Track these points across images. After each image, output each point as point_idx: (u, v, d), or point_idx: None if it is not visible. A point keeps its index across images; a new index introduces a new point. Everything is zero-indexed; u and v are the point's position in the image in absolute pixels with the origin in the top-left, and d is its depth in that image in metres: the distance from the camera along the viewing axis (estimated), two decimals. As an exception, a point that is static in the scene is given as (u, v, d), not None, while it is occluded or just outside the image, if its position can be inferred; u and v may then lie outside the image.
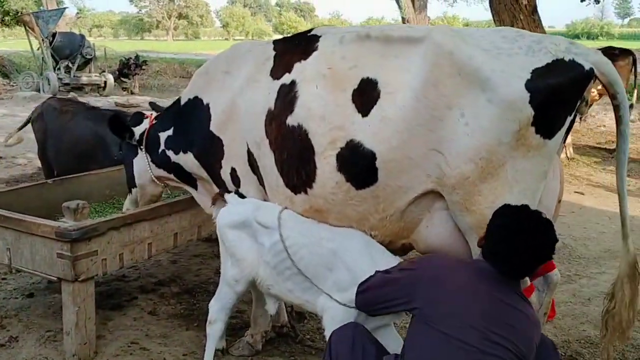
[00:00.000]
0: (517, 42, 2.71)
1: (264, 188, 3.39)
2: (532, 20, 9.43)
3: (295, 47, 3.30)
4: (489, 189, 2.68)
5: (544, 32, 9.50)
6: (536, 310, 2.99)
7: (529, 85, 2.56)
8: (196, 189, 3.95)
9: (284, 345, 3.92)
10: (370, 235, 3.06)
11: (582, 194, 7.97)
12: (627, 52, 9.35)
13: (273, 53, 3.37)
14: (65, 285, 3.49)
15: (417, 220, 2.97)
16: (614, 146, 9.22)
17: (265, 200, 3.40)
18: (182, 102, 3.79)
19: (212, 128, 3.51)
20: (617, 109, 2.76)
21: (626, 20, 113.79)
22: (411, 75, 2.78)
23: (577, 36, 62.90)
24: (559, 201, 3.11)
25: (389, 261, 2.92)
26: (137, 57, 21.01)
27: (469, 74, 2.65)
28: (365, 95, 2.88)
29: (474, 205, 2.71)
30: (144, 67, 21.21)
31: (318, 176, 3.02)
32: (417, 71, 2.77)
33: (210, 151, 3.54)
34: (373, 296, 2.64)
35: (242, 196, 3.46)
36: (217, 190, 3.63)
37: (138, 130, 4.01)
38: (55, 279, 3.52)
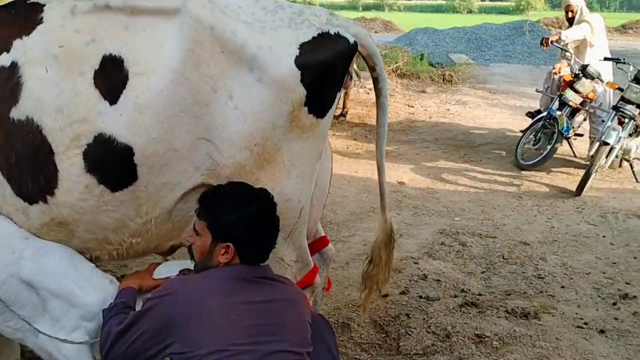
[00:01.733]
0: (277, 13, 2.53)
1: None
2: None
3: (13, 19, 2.64)
4: (267, 176, 2.52)
5: None
6: (317, 287, 3.00)
7: (298, 62, 2.41)
8: None
9: None
10: (131, 242, 2.64)
11: (318, 160, 8.44)
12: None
13: None
14: None
15: (189, 218, 2.63)
16: (337, 112, 10.06)
17: None
18: None
19: None
20: (376, 81, 2.82)
21: None
22: (166, 54, 2.42)
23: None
24: (329, 179, 3.14)
25: (101, 280, 2.54)
26: None
27: (234, 51, 2.40)
28: (110, 78, 2.43)
29: (253, 195, 2.53)
30: None
31: (61, 181, 2.48)
32: (174, 49, 2.42)
33: None
34: (122, 352, 2.18)
35: None
36: None
37: None
38: None
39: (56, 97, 2.43)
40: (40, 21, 2.56)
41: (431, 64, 15.29)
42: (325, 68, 2.49)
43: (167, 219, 2.61)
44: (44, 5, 2.61)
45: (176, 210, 2.60)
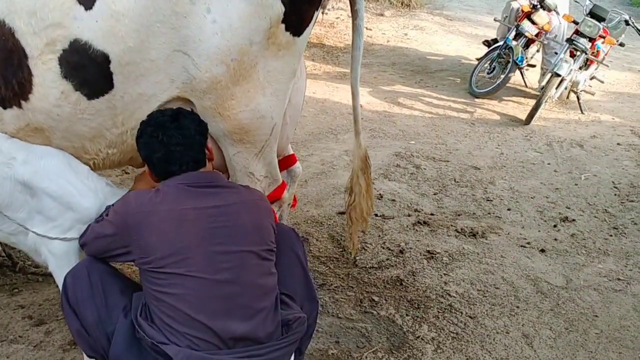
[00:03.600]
0: None
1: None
2: None
3: None
4: (242, 92, 2.56)
5: None
6: (285, 202, 3.12)
7: None
8: None
9: (2, 278, 3.37)
10: (107, 153, 2.68)
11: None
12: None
13: None
14: None
15: None
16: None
17: None
18: None
19: None
20: (353, 2, 2.84)
21: None
22: None
23: None
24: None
25: (96, 185, 2.60)
26: None
27: None
28: None
29: (228, 111, 2.57)
30: None
31: (36, 86, 2.45)
32: None
33: None
34: (95, 249, 2.35)
35: None
36: None
37: None
38: None
39: (30, 0, 2.36)
40: None
41: (390, -13, 15.06)
42: None
43: (142, 131, 2.64)
44: None
45: (151, 121, 2.62)
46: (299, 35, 2.59)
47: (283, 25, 2.50)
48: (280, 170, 3.26)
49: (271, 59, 2.56)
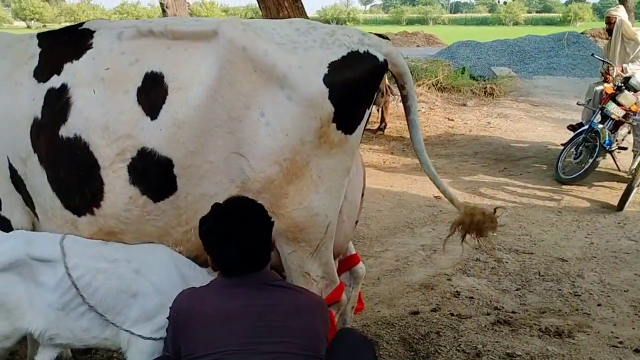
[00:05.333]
0: (310, 34, 2.64)
1: (32, 210, 2.87)
2: (296, 7, 9.68)
3: (65, 44, 2.82)
4: (295, 190, 2.60)
5: (307, 18, 9.86)
6: (344, 305, 3.03)
7: (327, 80, 2.50)
8: None
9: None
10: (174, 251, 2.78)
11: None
12: (383, 37, 10.14)
13: (38, 50, 2.84)
14: None
15: None
16: (375, 126, 10.10)
17: (34, 224, 2.88)
18: None
19: None
20: (405, 99, 2.87)
21: (368, 7, 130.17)
22: (203, 72, 2.55)
23: (327, 21, 67.80)
24: (362, 195, 3.17)
25: (197, 274, 2.70)
26: None
27: (265, 70, 2.51)
28: (152, 93, 2.58)
29: (281, 209, 2.61)
30: None
31: (107, 193, 2.64)
32: (210, 68, 2.55)
33: None
34: (170, 348, 2.39)
35: (4, 221, 2.87)
36: None
37: None
38: None
39: (103, 116, 2.59)
40: (89, 46, 2.73)
41: (473, 77, 15.18)
42: (354, 85, 2.56)
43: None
44: (94, 31, 2.79)
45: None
46: (350, 133, 2.62)
47: (334, 125, 2.56)
48: (342, 272, 3.23)
49: (323, 157, 2.59)
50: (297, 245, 2.68)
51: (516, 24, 75.70)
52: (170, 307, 2.35)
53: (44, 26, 49.03)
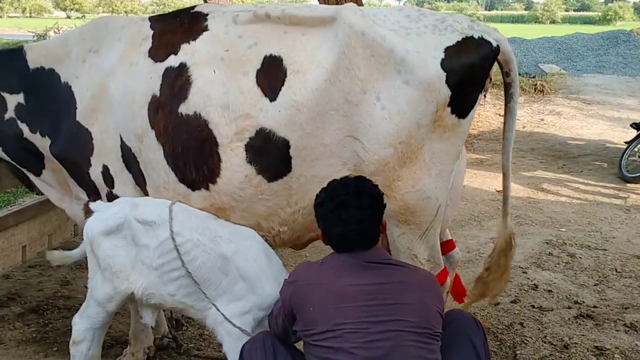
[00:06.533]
0: (421, 21, 2.65)
1: (142, 188, 2.96)
2: None
3: (178, 26, 2.91)
4: (408, 173, 2.62)
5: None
6: (447, 288, 3.05)
7: (444, 65, 2.52)
8: (39, 175, 3.25)
9: (168, 359, 3.53)
10: (279, 230, 2.83)
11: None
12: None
13: (150, 32, 2.94)
14: None
15: None
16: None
17: None
18: (31, 65, 3.08)
19: (79, 118, 2.95)
20: (509, 86, 2.87)
21: (402, 2, 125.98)
22: (322, 56, 2.60)
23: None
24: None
25: (279, 269, 2.74)
26: None
27: (382, 55, 2.54)
28: (271, 76, 2.64)
29: (394, 192, 2.63)
30: None
31: (223, 170, 2.71)
32: (328, 52, 2.59)
33: (77, 146, 2.98)
34: (278, 329, 2.44)
35: (116, 199, 2.97)
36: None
37: None
38: None
39: (223, 95, 2.66)
40: (205, 29, 2.80)
41: (520, 74, 14.97)
42: (469, 70, 2.57)
43: (312, 211, 2.76)
44: (206, 14, 2.86)
45: (320, 202, 2.75)
46: (464, 117, 2.63)
47: (449, 109, 2.57)
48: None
49: (437, 141, 2.61)
50: (407, 227, 2.71)
51: (553, 22, 74.28)
52: (286, 282, 2.40)
53: (83, 16, 49.95)
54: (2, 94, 3.09)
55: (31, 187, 4.38)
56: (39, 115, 3.08)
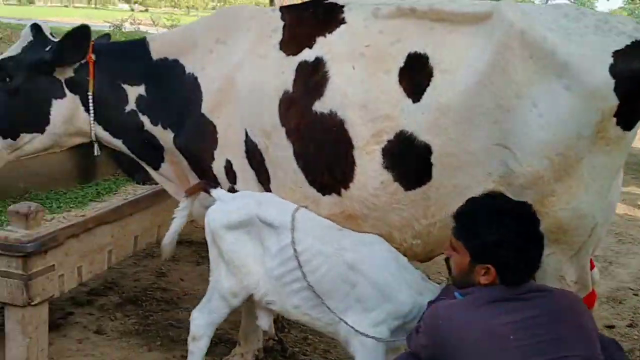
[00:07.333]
0: (581, 20, 2.42)
1: (265, 185, 2.84)
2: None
3: (311, 18, 2.77)
4: (564, 188, 2.40)
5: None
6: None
7: (613, 71, 2.27)
8: (157, 169, 3.15)
9: (271, 362, 3.44)
10: (411, 244, 2.65)
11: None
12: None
13: (281, 23, 2.80)
14: (11, 312, 2.71)
15: None
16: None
17: None
18: (154, 56, 2.98)
19: (204, 110, 2.85)
20: None
21: None
22: (473, 55, 2.41)
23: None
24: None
25: (413, 277, 2.55)
26: (-21, 22, 18.04)
27: (542, 57, 2.32)
28: (415, 76, 2.46)
29: (546, 208, 2.41)
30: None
31: (357, 175, 2.54)
32: (481, 52, 2.40)
33: (201, 139, 2.88)
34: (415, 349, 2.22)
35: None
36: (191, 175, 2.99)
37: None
38: (-5, 304, 2.72)
39: (362, 94, 2.50)
40: (342, 21, 2.65)
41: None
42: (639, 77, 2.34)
43: (449, 224, 2.57)
44: (342, 6, 2.71)
45: (458, 215, 2.56)
46: (629, 130, 2.39)
47: (614, 119, 2.33)
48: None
49: (598, 154, 2.38)
50: (557, 247, 2.49)
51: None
52: (423, 321, 2.18)
53: (146, 10, 51.03)
54: (122, 85, 2.99)
55: (132, 176, 4.41)
56: (161, 107, 2.99)
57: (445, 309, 2.15)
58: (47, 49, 2.89)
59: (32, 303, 2.68)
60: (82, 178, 4.40)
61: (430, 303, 2.33)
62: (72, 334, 3.52)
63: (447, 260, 2.35)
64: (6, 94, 2.89)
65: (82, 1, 76.94)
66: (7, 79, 2.86)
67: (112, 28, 16.80)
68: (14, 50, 2.95)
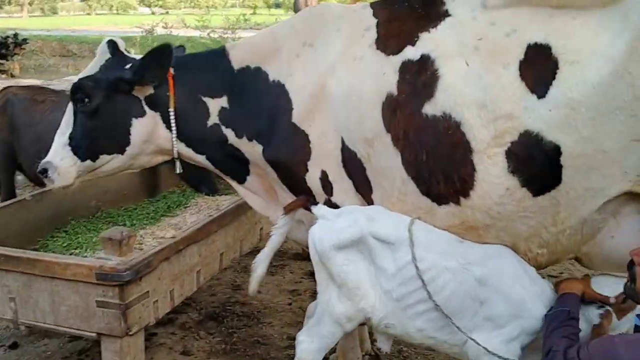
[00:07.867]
0: None
1: (365, 196, 2.63)
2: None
3: (409, 12, 2.54)
4: None
5: None
6: None
7: None
8: (242, 182, 2.96)
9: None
10: (536, 253, 2.42)
11: None
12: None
13: (374, 20, 2.58)
14: (109, 343, 2.57)
15: (596, 230, 2.35)
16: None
17: None
18: (235, 66, 2.80)
19: (295, 119, 2.66)
20: None
21: None
22: (605, 43, 2.16)
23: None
24: None
25: (542, 287, 2.35)
26: (15, 35, 18.10)
27: None
28: (538, 68, 2.22)
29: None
30: (24, 46, 18.43)
31: (478, 182, 2.31)
32: (615, 38, 2.15)
33: (292, 150, 2.68)
34: None
35: (335, 207, 2.66)
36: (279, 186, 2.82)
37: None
38: (92, 335, 2.58)
39: (480, 92, 2.27)
40: (445, 14, 2.43)
41: None
42: None
43: (579, 230, 2.34)
44: None
45: (590, 220, 2.32)
46: None
47: None
48: None
49: None
50: None
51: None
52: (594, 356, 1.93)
53: (167, 12, 51.25)
54: (203, 99, 2.80)
55: (199, 189, 4.27)
56: (245, 118, 2.79)
57: (628, 349, 1.86)
58: (127, 67, 2.73)
59: (130, 333, 2.53)
60: (149, 192, 4.31)
61: (547, 316, 2.15)
62: (159, 356, 3.40)
63: (630, 266, 2.07)
64: (85, 116, 2.75)
65: (104, 8, 77.75)
66: (86, 100, 2.72)
67: (144, 33, 16.86)
68: (90, 69, 2.80)
